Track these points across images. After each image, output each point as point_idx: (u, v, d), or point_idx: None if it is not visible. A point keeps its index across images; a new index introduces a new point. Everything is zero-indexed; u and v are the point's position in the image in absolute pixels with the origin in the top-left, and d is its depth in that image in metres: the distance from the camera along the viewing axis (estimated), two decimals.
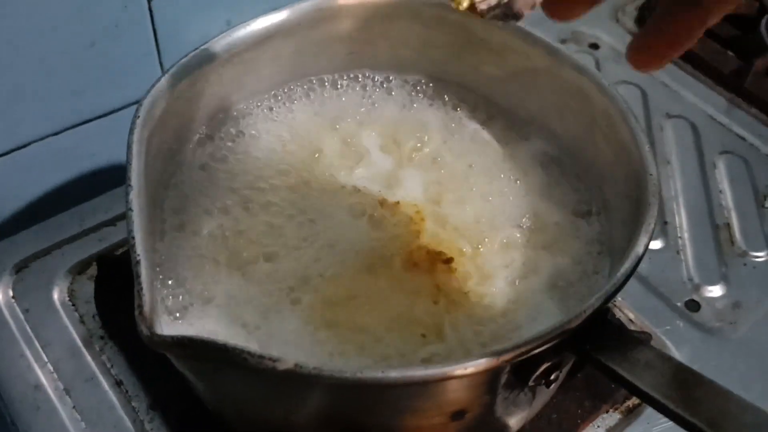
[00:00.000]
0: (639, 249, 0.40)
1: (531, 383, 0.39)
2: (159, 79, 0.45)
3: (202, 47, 0.48)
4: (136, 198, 0.39)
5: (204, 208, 0.48)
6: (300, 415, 0.39)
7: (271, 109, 0.53)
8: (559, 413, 0.51)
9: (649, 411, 0.53)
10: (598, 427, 0.52)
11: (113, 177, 0.66)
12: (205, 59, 0.47)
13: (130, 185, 0.39)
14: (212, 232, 0.47)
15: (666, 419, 0.51)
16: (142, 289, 0.36)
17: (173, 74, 0.45)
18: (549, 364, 0.38)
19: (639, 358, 0.37)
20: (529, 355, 0.36)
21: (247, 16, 0.65)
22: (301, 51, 0.53)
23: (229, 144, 0.51)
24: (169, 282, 0.44)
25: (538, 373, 0.38)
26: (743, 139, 0.73)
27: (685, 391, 0.35)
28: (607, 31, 0.83)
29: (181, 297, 0.44)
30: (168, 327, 0.41)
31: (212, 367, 0.36)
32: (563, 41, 0.81)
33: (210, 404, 0.43)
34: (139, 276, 0.36)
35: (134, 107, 0.64)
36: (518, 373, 0.38)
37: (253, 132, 0.52)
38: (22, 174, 0.62)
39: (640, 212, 0.42)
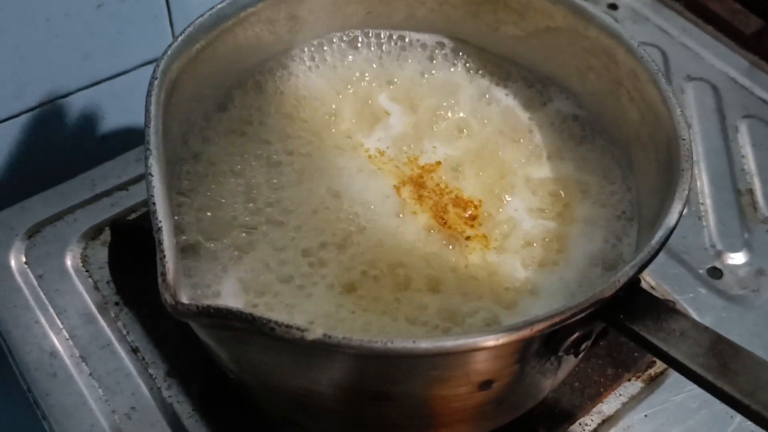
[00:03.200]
0: (673, 217, 0.39)
1: (560, 353, 0.38)
2: (175, 40, 0.43)
3: (218, 6, 0.46)
4: (155, 163, 0.38)
5: (222, 169, 0.47)
6: (325, 383, 0.38)
7: (287, 69, 0.52)
8: (581, 381, 0.51)
9: (671, 380, 0.52)
10: (620, 395, 0.52)
11: (123, 140, 0.65)
12: (221, 18, 0.46)
13: (149, 149, 0.38)
14: (232, 194, 0.46)
15: (689, 387, 0.51)
16: (165, 256, 0.35)
17: (189, 35, 0.44)
18: (580, 333, 0.38)
19: (674, 327, 0.36)
20: (562, 325, 0.35)
21: None
22: (318, 10, 0.51)
23: (245, 105, 0.50)
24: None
25: (568, 342, 0.38)
26: (765, 102, 0.71)
27: (722, 361, 0.35)
28: None
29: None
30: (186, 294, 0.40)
31: (237, 336, 0.35)
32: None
33: (232, 372, 0.42)
34: (161, 243, 0.35)
35: (144, 68, 0.64)
36: (549, 343, 0.37)
37: (270, 93, 0.51)
38: (31, 137, 0.60)
39: (672, 178, 0.41)
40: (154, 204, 0.36)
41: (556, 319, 0.35)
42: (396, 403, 0.39)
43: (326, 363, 0.36)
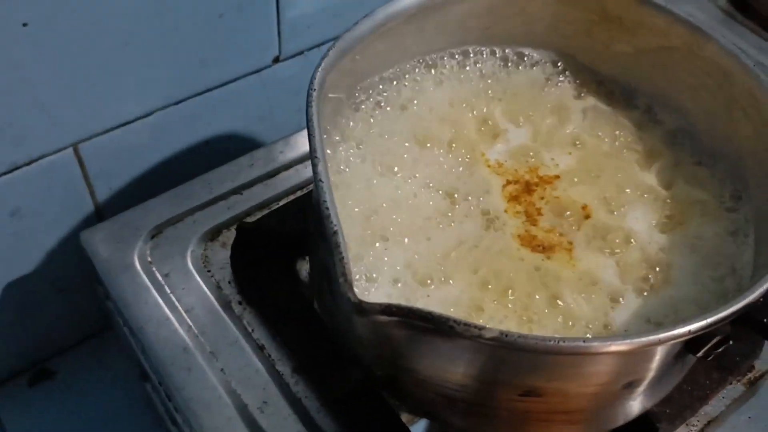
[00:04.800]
0: None
1: (699, 355, 0.41)
2: (326, 54, 0.46)
3: (360, 22, 0.48)
4: (324, 170, 0.40)
5: (344, 179, 0.50)
6: (482, 378, 0.40)
7: (414, 80, 0.54)
8: (690, 384, 0.53)
9: None
10: (724, 398, 0.54)
11: (234, 145, 0.68)
12: (363, 33, 0.48)
13: (316, 156, 0.41)
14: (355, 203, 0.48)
15: None
16: (343, 258, 0.37)
17: (340, 48, 0.46)
18: (721, 337, 0.40)
19: None
20: (713, 328, 0.37)
21: None
22: (442, 25, 0.54)
23: (374, 115, 0.53)
24: None
25: (708, 346, 0.40)
26: None
27: None
28: (699, 6, 0.83)
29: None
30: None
31: (411, 332, 0.38)
32: None
33: (383, 367, 0.44)
34: (338, 246, 0.38)
35: (250, 77, 0.66)
36: (692, 346, 0.40)
37: (397, 104, 0.53)
38: (149, 140, 0.63)
39: None
40: (327, 209, 0.39)
41: (710, 320, 0.37)
42: (544, 399, 0.41)
43: (492, 359, 0.38)
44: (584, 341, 0.36)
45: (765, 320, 0.39)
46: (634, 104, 0.56)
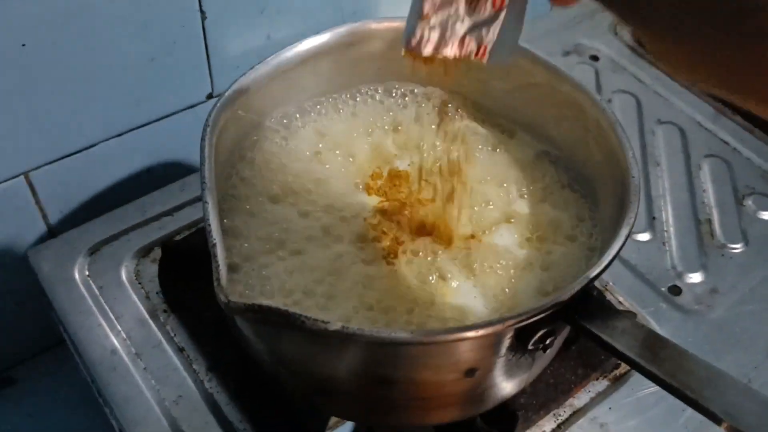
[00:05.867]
0: (620, 239, 0.48)
1: (530, 347, 0.48)
2: (223, 94, 0.54)
3: (257, 66, 0.56)
4: (209, 193, 0.48)
5: (246, 205, 0.57)
6: (341, 369, 0.48)
7: (311, 116, 0.62)
8: (555, 378, 0.60)
9: (633, 379, 0.62)
10: (589, 391, 0.61)
11: (166, 172, 0.76)
12: (259, 76, 0.56)
13: (204, 182, 0.48)
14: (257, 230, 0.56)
15: (647, 386, 0.61)
16: (219, 266, 0.44)
17: (235, 90, 0.54)
18: (545, 330, 0.47)
19: (617, 325, 0.46)
20: (528, 321, 0.45)
21: (284, 31, 0.75)
22: (337, 67, 0.62)
23: (275, 147, 0.60)
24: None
25: (536, 338, 0.47)
26: (726, 143, 0.82)
27: (653, 351, 0.44)
28: (606, 44, 0.91)
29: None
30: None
31: (274, 329, 0.45)
32: (567, 53, 0.90)
33: (266, 363, 0.52)
34: (216, 256, 0.45)
35: (184, 112, 0.74)
36: (520, 337, 0.47)
37: (295, 137, 0.61)
38: (91, 170, 0.71)
39: (624, 209, 0.51)
40: (209, 225, 0.46)
41: (524, 317, 0.45)
42: (397, 387, 0.49)
43: (343, 351, 0.46)
44: (411, 332, 0.43)
45: (576, 316, 0.46)
46: (509, 132, 0.64)
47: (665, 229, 0.73)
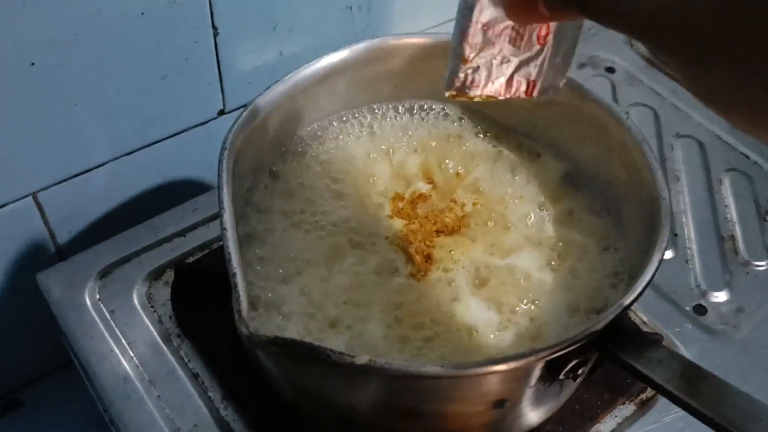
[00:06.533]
0: (653, 265, 0.47)
1: (561, 377, 0.46)
2: (240, 116, 0.52)
3: (274, 85, 0.55)
4: (229, 219, 0.46)
5: (266, 227, 0.55)
6: (366, 402, 0.46)
7: (328, 134, 0.60)
8: (581, 405, 0.59)
9: (660, 404, 0.60)
10: (615, 416, 0.60)
11: (178, 191, 0.74)
12: (277, 94, 0.55)
13: (223, 208, 0.47)
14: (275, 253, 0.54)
15: (675, 410, 0.59)
16: (240, 296, 0.43)
17: (251, 110, 0.53)
18: (577, 360, 0.46)
19: (653, 356, 0.44)
20: (561, 353, 0.43)
21: (296, 47, 0.74)
22: (355, 84, 0.60)
23: (293, 167, 0.59)
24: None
25: (567, 368, 0.46)
26: (747, 157, 0.80)
27: (692, 383, 0.43)
28: (622, 56, 0.90)
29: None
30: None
31: (298, 362, 0.43)
32: (582, 65, 0.88)
33: (286, 394, 0.50)
34: (236, 286, 0.43)
35: (195, 129, 0.73)
36: (551, 368, 0.45)
37: (313, 156, 0.60)
38: (100, 190, 0.69)
39: (654, 232, 0.49)
40: (229, 254, 0.45)
41: (557, 348, 0.43)
42: (425, 420, 0.47)
43: (369, 384, 0.44)
44: (442, 366, 0.41)
45: (610, 346, 0.45)
46: (532, 151, 0.62)
47: (688, 246, 0.71)
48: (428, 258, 0.54)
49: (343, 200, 0.57)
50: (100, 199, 0.71)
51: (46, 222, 0.68)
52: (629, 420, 0.60)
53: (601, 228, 0.58)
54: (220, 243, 0.67)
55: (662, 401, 0.60)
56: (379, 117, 0.62)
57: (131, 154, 0.70)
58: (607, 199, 0.58)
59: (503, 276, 0.54)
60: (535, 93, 0.40)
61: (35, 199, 0.66)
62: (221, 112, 0.73)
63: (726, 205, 0.75)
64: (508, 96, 0.40)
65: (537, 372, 0.46)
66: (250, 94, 0.73)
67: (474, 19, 0.36)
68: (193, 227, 0.68)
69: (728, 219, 0.74)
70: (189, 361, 0.60)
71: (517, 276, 0.54)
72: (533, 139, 0.62)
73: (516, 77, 0.39)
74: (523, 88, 0.39)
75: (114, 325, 0.61)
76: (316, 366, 0.43)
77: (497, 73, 0.38)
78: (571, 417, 0.58)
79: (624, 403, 0.60)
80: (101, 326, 0.61)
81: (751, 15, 0.26)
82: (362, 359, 0.41)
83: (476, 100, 0.40)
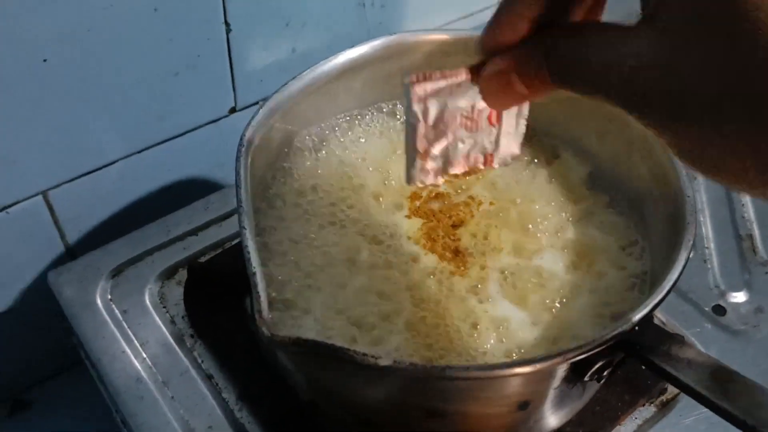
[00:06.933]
0: (680, 264, 0.46)
1: (586, 378, 0.45)
2: (257, 112, 0.51)
3: (291, 81, 0.54)
4: (247, 218, 0.45)
5: (283, 225, 0.55)
6: (389, 402, 0.45)
7: (344, 132, 0.59)
8: (602, 406, 0.58)
9: (681, 404, 0.59)
10: (636, 418, 0.59)
11: (191, 190, 0.73)
12: (294, 91, 0.54)
13: (241, 206, 0.46)
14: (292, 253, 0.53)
15: (696, 412, 0.58)
16: (260, 297, 0.42)
17: (268, 107, 0.52)
18: (603, 362, 0.45)
19: (681, 356, 0.43)
20: (588, 354, 0.42)
21: (309, 44, 0.73)
22: (371, 82, 0.59)
23: (309, 165, 0.58)
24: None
25: (593, 369, 0.45)
26: None
27: (722, 385, 0.42)
28: None
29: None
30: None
31: (321, 362, 0.43)
32: None
33: (305, 393, 0.49)
34: (256, 286, 0.42)
35: (208, 126, 0.72)
36: (577, 369, 0.45)
37: (330, 155, 0.59)
38: (111, 188, 0.68)
39: (678, 230, 0.48)
40: (248, 254, 0.44)
41: (584, 350, 0.42)
42: (448, 420, 0.46)
43: (392, 385, 0.43)
44: (467, 368, 0.41)
45: (637, 347, 0.44)
46: (553, 149, 0.61)
47: (706, 245, 0.71)
48: (456, 252, 0.53)
49: (359, 199, 0.56)
50: (111, 197, 0.70)
51: (56, 221, 0.67)
52: (650, 422, 0.59)
53: (623, 227, 0.57)
54: (233, 242, 0.66)
55: (683, 402, 0.59)
56: (396, 115, 0.61)
57: (142, 152, 0.69)
58: (628, 197, 0.57)
59: (527, 275, 0.53)
60: (494, 164, 0.41)
61: (45, 197, 0.65)
62: (233, 110, 0.72)
63: (743, 204, 0.74)
64: (466, 169, 0.41)
65: (562, 373, 0.45)
66: (262, 91, 0.73)
67: (423, 119, 0.37)
68: (206, 226, 0.67)
69: (746, 218, 0.73)
70: (203, 361, 0.59)
71: (542, 276, 0.53)
72: (553, 137, 0.61)
73: (472, 154, 0.40)
74: (481, 160, 0.40)
75: (126, 325, 0.60)
76: (338, 366, 0.42)
77: (454, 155, 0.39)
78: (592, 419, 0.57)
79: (645, 405, 0.59)
80: (113, 326, 0.60)
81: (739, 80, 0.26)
82: (386, 360, 0.40)
83: (439, 182, 0.41)
